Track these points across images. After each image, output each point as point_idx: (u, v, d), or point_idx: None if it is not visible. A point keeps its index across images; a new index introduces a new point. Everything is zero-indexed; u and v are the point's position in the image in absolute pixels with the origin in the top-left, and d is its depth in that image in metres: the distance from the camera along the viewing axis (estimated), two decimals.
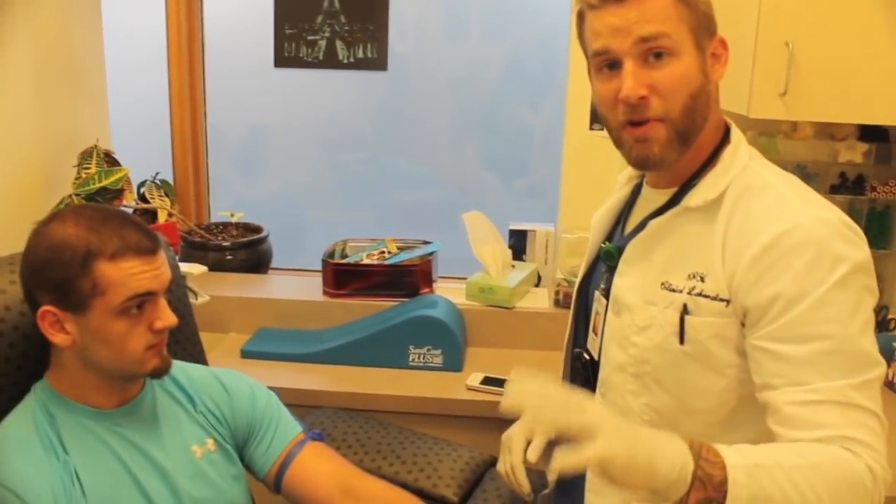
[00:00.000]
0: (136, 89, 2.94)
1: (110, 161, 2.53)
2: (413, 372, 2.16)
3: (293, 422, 1.48)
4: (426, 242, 2.55)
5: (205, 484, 1.35)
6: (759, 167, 1.16)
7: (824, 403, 1.00)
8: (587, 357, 1.31)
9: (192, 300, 1.88)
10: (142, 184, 2.73)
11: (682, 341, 1.14)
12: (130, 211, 2.50)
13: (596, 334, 1.30)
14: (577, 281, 1.38)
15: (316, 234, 2.85)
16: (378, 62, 2.82)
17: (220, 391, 1.45)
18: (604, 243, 1.30)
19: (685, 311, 1.13)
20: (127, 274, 1.20)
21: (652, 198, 1.24)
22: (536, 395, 0.91)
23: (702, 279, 1.12)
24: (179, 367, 1.44)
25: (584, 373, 1.32)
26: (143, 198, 2.68)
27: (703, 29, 1.12)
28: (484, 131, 3.00)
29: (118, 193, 2.44)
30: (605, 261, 1.28)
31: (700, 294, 1.12)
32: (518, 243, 2.59)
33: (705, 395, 1.15)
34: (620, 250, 1.24)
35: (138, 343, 1.24)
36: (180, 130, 2.92)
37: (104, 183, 2.38)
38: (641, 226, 1.22)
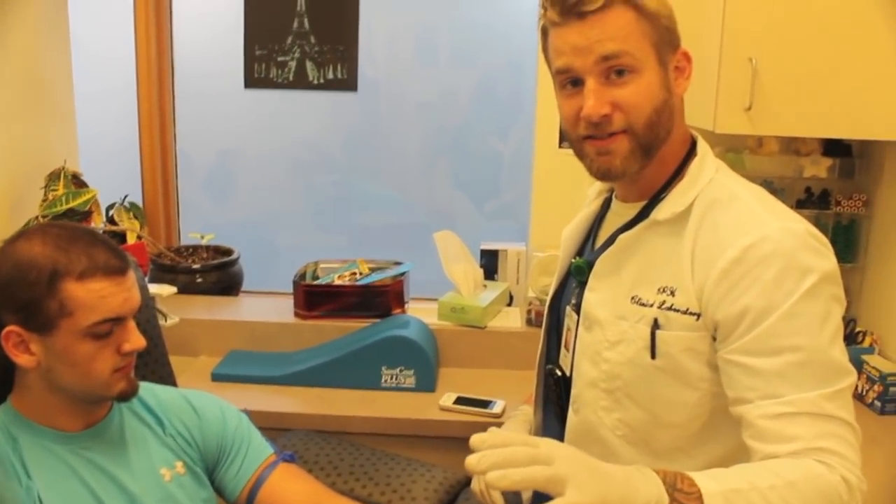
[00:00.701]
0: (106, 111, 2.93)
1: (78, 183, 2.51)
2: (386, 393, 2.15)
3: (264, 443, 1.47)
4: (398, 263, 2.54)
5: None
6: (726, 179, 1.17)
7: (797, 415, 1.00)
8: (559, 373, 1.31)
9: (161, 322, 1.85)
10: (111, 206, 2.70)
11: (653, 356, 1.14)
12: None
13: (568, 350, 1.30)
14: (549, 297, 1.38)
15: (287, 256, 2.84)
16: (348, 83, 2.83)
17: (189, 413, 1.43)
18: (574, 258, 1.30)
19: (656, 325, 1.13)
20: (96, 296, 1.18)
21: (621, 212, 1.25)
22: (499, 455, 0.89)
23: (672, 293, 1.13)
24: (148, 389, 1.42)
25: (556, 389, 1.32)
26: (111, 220, 2.65)
27: (666, 43, 1.13)
28: (454, 153, 3.01)
29: (86, 215, 2.41)
30: (576, 276, 1.28)
31: (670, 308, 1.12)
32: (490, 263, 2.59)
33: (678, 409, 1.15)
34: (590, 265, 1.24)
35: (105, 365, 1.22)
36: (150, 153, 2.90)
37: (72, 204, 2.36)
38: (611, 240, 1.22)
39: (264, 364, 2.25)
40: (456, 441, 1.99)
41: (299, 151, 3.04)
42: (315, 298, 2.37)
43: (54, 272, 1.17)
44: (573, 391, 1.26)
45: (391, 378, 2.15)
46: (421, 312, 2.37)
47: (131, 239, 2.66)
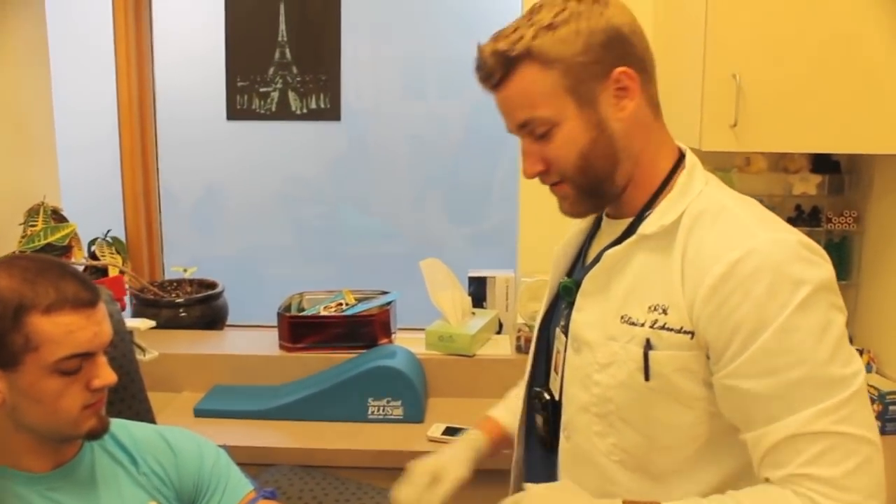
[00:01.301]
0: (88, 149, 2.90)
1: (58, 217, 2.47)
2: (373, 425, 2.09)
3: (244, 479, 1.41)
4: (384, 293, 2.50)
5: None
6: (716, 191, 1.13)
7: (792, 438, 0.97)
8: (547, 397, 1.27)
9: (139, 356, 1.81)
10: (92, 241, 2.66)
11: (647, 377, 1.09)
12: (81, 269, 2.42)
13: (557, 373, 1.25)
14: (539, 319, 1.34)
15: (274, 288, 2.79)
16: (331, 112, 2.80)
17: (165, 450, 1.38)
18: (563, 278, 1.26)
19: (648, 345, 1.09)
20: (64, 330, 1.14)
21: (610, 229, 1.21)
22: None
23: (664, 311, 1.08)
24: (121, 426, 1.37)
25: (543, 413, 1.27)
26: (93, 255, 2.61)
27: (587, 79, 1.08)
28: (441, 182, 2.98)
29: (66, 250, 2.37)
30: (564, 296, 1.24)
31: (663, 327, 1.08)
32: (478, 291, 2.55)
33: (674, 431, 1.11)
34: (578, 284, 1.20)
35: (74, 402, 1.17)
36: (132, 187, 2.86)
37: (50, 239, 2.32)
38: (598, 258, 1.19)
39: (248, 398, 2.20)
40: None
41: (284, 182, 3.01)
42: (300, 330, 2.32)
43: (20, 306, 1.13)
44: (564, 417, 1.21)
45: (378, 409, 2.09)
46: (408, 342, 2.33)
47: (113, 273, 2.62)
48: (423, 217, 3.01)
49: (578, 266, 1.27)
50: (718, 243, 1.05)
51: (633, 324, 1.11)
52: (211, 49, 2.80)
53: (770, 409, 0.99)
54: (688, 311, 1.06)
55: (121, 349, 1.64)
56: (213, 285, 2.73)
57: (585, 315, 1.18)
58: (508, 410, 1.47)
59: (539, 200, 2.52)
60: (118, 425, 1.36)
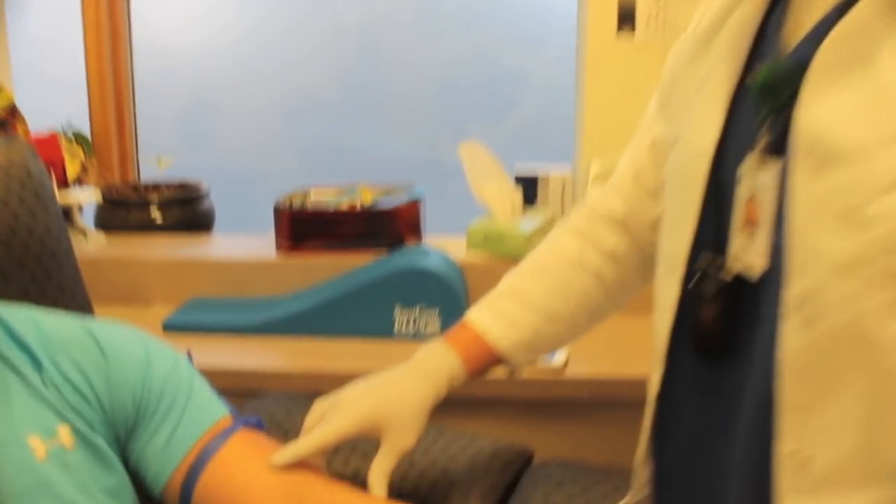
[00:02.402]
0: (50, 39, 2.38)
1: None
2: (400, 344, 1.58)
3: (215, 401, 0.91)
4: (408, 188, 1.97)
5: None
6: None
7: None
8: (730, 277, 0.76)
9: (81, 241, 1.29)
10: None
11: None
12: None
13: (752, 228, 0.74)
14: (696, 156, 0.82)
15: (272, 195, 2.29)
16: None
17: (90, 351, 0.87)
18: (752, 72, 0.75)
19: None
20: None
21: None
22: None
23: None
24: (25, 317, 0.88)
25: (718, 302, 0.77)
26: None
27: None
28: (468, 73, 2.47)
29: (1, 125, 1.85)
30: (767, 97, 0.72)
31: None
32: (526, 193, 2.02)
33: None
34: (803, 66, 0.69)
35: None
36: (97, 73, 2.33)
37: None
38: (832, 20, 0.68)
39: (236, 311, 1.69)
40: (503, 404, 1.44)
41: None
42: (304, 228, 1.80)
43: None
44: (793, 289, 0.69)
45: (408, 323, 1.57)
46: (444, 246, 1.80)
47: (73, 170, 2.09)
48: (447, 117, 2.50)
49: (765, 56, 0.76)
50: None
51: None
52: None
53: None
54: None
55: (43, 221, 1.13)
56: (195, 188, 2.20)
57: (833, 106, 0.66)
58: (501, 315, 1.01)
59: (608, 73, 2.02)
60: (19, 316, 0.87)
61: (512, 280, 1.05)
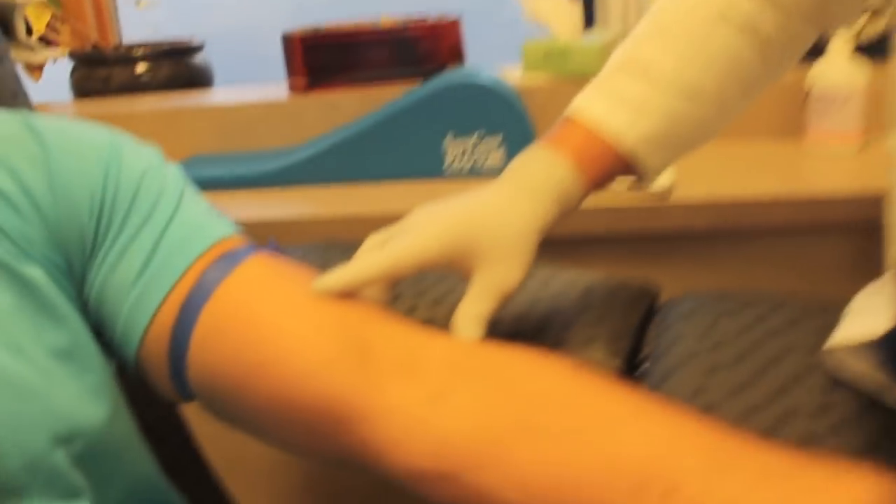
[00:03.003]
0: None
1: None
2: (454, 183, 1.27)
3: (213, 219, 0.60)
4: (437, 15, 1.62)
5: None
6: None
7: None
8: None
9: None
10: None
11: None
12: None
13: None
14: None
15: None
16: None
17: (23, 145, 0.55)
18: None
19: None
20: None
21: None
22: None
23: None
24: None
25: None
26: None
27: None
28: None
29: None
30: None
31: None
32: (584, 13, 1.67)
33: None
34: None
35: None
36: None
37: None
38: None
39: (246, 163, 1.37)
40: (591, 242, 1.13)
41: None
42: (321, 59, 1.46)
43: None
44: None
45: (462, 156, 1.25)
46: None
47: (39, 25, 1.75)
48: None
49: None
50: None
51: None
52: None
53: None
54: None
55: None
56: (185, 43, 1.86)
57: None
58: (620, 98, 0.71)
59: None
60: None
61: (626, 51, 0.73)
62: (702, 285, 0.95)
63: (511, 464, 0.48)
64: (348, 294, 0.58)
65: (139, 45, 1.86)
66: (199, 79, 1.82)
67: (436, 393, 0.52)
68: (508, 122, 1.23)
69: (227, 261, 0.56)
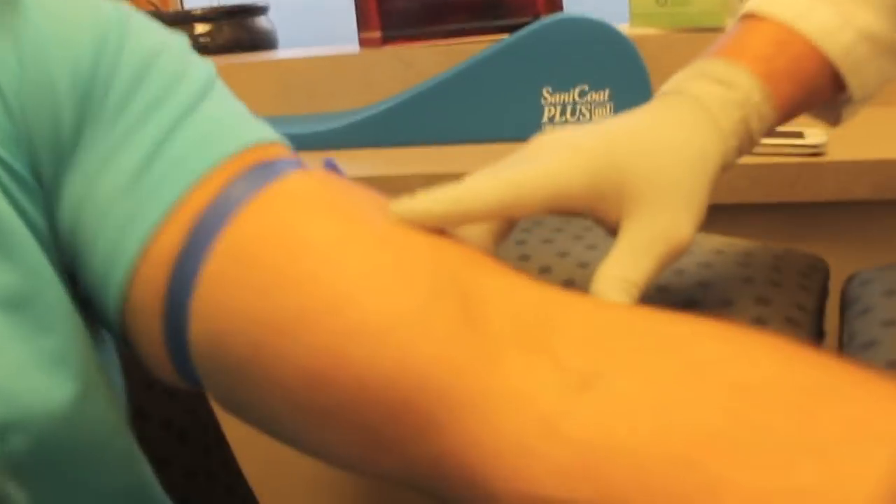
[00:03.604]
0: None
1: None
2: None
3: (250, 120, 0.42)
4: None
5: None
6: None
7: None
8: None
9: None
10: None
11: None
12: None
13: None
14: None
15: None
16: None
17: None
18: None
19: None
20: None
21: None
22: None
23: None
24: None
25: None
26: None
27: None
28: None
29: None
30: None
31: None
32: None
33: None
34: None
35: None
36: None
37: None
38: None
39: (313, 123, 1.21)
40: (734, 210, 0.93)
41: None
42: (397, 7, 1.29)
43: None
44: None
45: (563, 112, 1.07)
46: None
47: None
48: None
49: None
50: None
51: None
52: None
53: None
54: None
55: None
56: (249, 4, 1.72)
57: None
58: None
59: None
60: None
61: None
62: (867, 261, 0.75)
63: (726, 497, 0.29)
64: (443, 229, 0.40)
65: (199, 8, 1.73)
66: (262, 42, 1.68)
67: (584, 378, 0.33)
68: (619, 72, 1.03)
69: (263, 171, 0.38)
